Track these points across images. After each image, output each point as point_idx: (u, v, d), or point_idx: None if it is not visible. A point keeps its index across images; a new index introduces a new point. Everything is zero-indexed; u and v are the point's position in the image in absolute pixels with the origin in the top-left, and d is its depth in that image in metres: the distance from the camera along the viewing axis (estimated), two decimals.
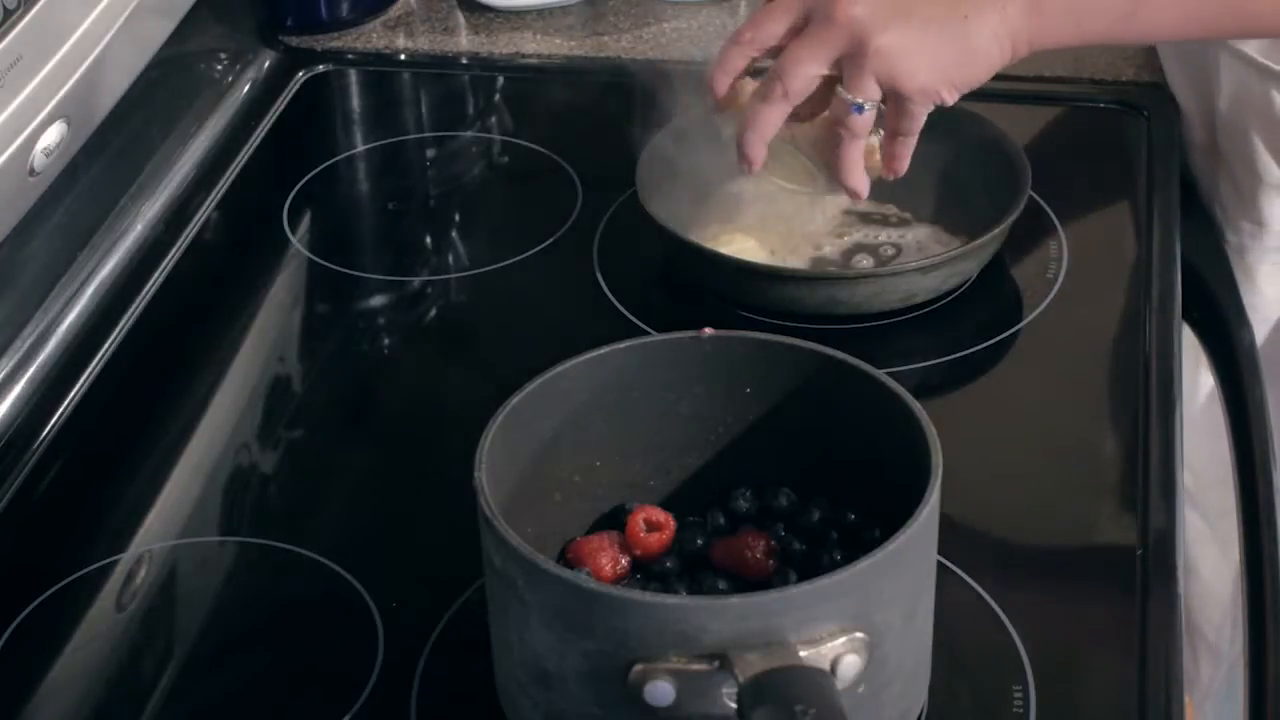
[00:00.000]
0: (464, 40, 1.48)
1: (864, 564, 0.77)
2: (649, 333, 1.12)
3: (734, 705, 0.75)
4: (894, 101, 1.05)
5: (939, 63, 1.04)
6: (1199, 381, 1.30)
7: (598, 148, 1.34)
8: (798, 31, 1.05)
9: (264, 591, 0.98)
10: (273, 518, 1.04)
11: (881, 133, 1.08)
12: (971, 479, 1.00)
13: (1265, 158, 1.27)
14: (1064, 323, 1.15)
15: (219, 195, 1.31)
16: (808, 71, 1.04)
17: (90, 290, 1.19)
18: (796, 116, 1.08)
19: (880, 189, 1.23)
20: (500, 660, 0.84)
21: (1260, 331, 1.29)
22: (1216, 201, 1.32)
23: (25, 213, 1.09)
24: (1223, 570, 1.38)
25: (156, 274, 1.23)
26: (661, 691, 0.76)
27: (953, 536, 0.86)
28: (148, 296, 1.21)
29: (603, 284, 1.19)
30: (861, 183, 1.09)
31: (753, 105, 1.07)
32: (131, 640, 0.96)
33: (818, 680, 0.75)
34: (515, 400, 0.87)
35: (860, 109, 1.04)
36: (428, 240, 1.29)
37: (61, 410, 1.11)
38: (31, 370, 1.12)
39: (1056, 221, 1.22)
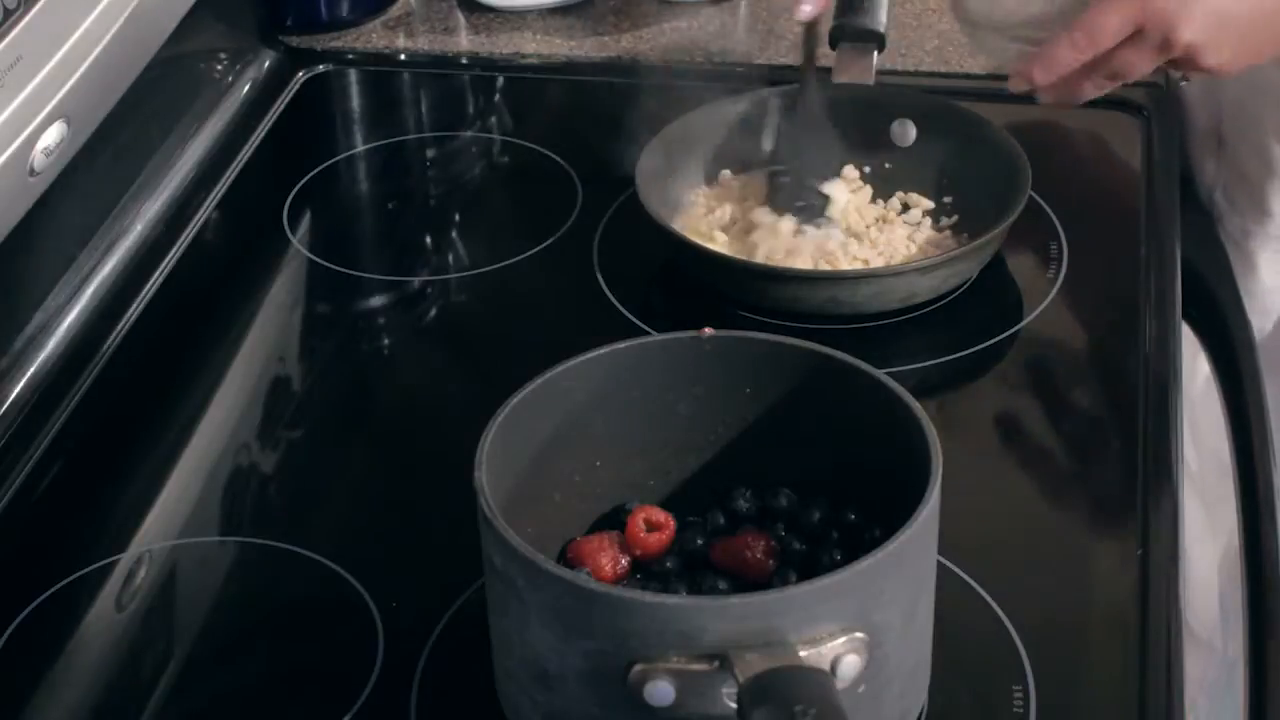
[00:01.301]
0: (464, 40, 1.48)
1: (864, 564, 0.77)
2: (649, 333, 1.12)
3: (734, 705, 0.75)
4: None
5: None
6: (1196, 371, 1.30)
7: (598, 148, 1.34)
8: (1127, 37, 1.10)
9: (264, 591, 0.98)
10: (273, 518, 1.04)
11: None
12: (971, 479, 1.00)
13: (1276, 146, 1.26)
14: (1064, 323, 1.15)
15: (219, 195, 1.31)
16: (1128, 75, 1.12)
17: (90, 290, 1.19)
18: None
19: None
20: (500, 660, 0.84)
21: (1259, 321, 1.29)
22: (1218, 188, 1.32)
23: (25, 213, 1.09)
24: (1212, 561, 1.38)
25: (156, 274, 1.23)
26: (661, 691, 0.76)
27: (953, 536, 0.86)
28: (148, 296, 1.21)
29: (603, 284, 1.19)
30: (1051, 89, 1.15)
31: (1054, 46, 1.12)
32: (131, 640, 0.96)
33: (818, 680, 0.75)
34: (515, 400, 0.87)
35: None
36: (428, 240, 1.29)
37: (61, 410, 1.11)
38: (31, 370, 1.12)
39: (1056, 221, 1.22)
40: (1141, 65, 1.11)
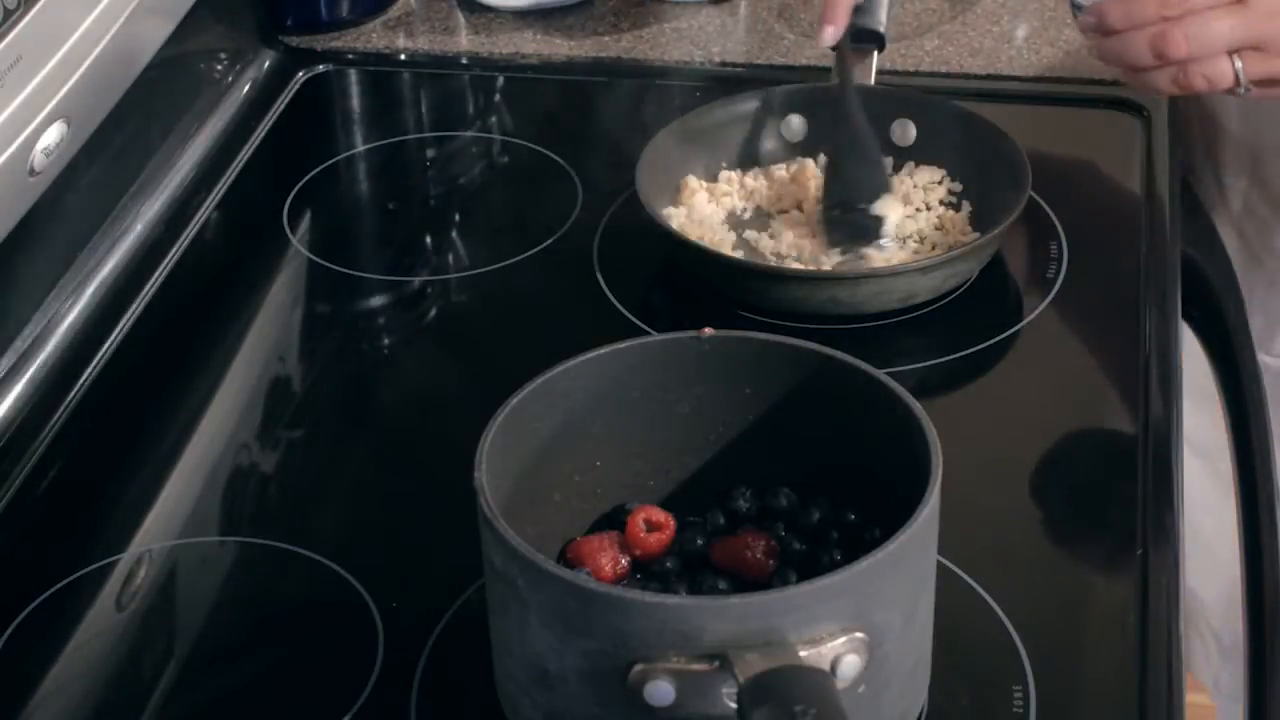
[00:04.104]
0: (464, 40, 1.48)
1: (864, 564, 0.77)
2: (649, 333, 1.12)
3: (734, 705, 0.75)
4: None
5: None
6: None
7: (598, 148, 1.34)
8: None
9: (264, 591, 0.98)
10: (273, 518, 1.04)
11: None
12: (971, 479, 1.00)
13: None
14: (1064, 323, 1.15)
15: (219, 195, 1.31)
16: (1215, 46, 1.05)
17: (90, 290, 1.19)
18: None
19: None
20: (500, 660, 0.84)
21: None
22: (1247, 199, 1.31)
23: (25, 213, 1.09)
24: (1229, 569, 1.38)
25: (156, 274, 1.23)
26: (661, 691, 0.76)
27: (953, 536, 0.86)
28: (148, 296, 1.21)
29: (603, 284, 1.19)
30: None
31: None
32: (131, 640, 0.96)
33: (818, 680, 0.75)
34: (515, 400, 0.87)
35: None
36: (428, 240, 1.29)
37: (61, 410, 1.11)
38: (31, 370, 1.12)
39: (1056, 221, 1.22)
40: (1225, 35, 1.04)
